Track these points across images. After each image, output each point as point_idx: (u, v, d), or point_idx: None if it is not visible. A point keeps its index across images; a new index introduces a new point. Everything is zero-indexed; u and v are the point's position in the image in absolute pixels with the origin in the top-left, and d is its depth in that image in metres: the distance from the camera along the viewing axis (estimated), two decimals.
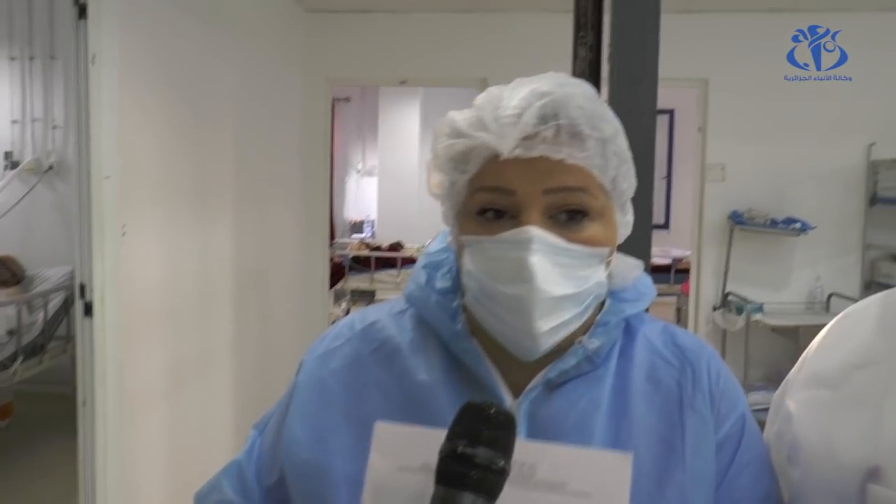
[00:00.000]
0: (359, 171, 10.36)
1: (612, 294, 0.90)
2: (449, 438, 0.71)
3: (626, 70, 1.46)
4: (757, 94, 5.22)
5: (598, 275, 0.83)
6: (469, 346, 0.88)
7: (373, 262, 7.80)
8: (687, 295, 5.94)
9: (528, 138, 0.80)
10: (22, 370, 4.32)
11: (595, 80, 1.59)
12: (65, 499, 3.52)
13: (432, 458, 0.71)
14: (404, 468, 0.77)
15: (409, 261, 7.64)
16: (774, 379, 5.06)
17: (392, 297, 1.03)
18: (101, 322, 2.73)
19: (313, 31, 5.34)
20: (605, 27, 1.57)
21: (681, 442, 0.85)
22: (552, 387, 0.86)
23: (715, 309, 5.45)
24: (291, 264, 5.14)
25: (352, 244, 8.60)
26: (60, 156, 5.47)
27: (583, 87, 0.85)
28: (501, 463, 0.69)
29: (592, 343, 0.86)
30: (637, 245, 0.95)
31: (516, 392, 0.87)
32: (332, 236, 7.97)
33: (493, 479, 0.69)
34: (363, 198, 10.28)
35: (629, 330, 0.92)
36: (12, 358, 4.27)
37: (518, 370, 0.86)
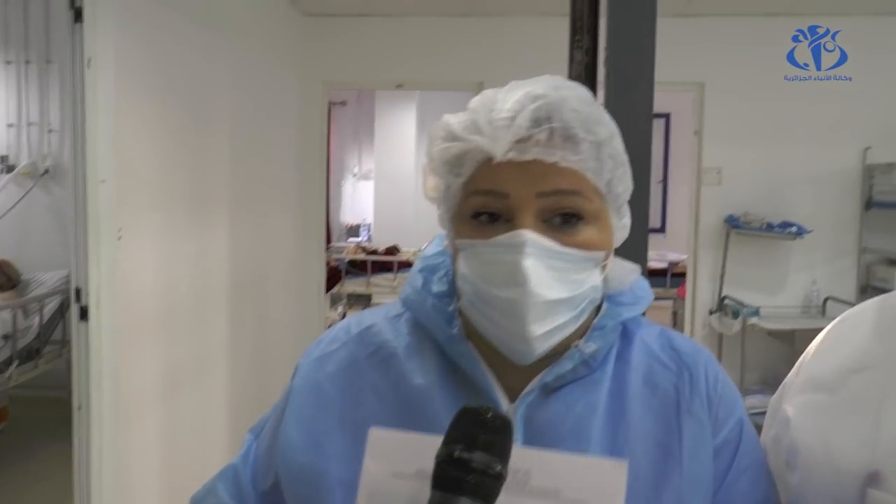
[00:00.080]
0: (355, 175, 10.37)
1: (609, 298, 0.90)
2: (445, 443, 0.71)
3: (622, 73, 1.46)
4: (753, 98, 5.23)
5: (593, 279, 0.83)
6: (465, 349, 0.88)
7: (369, 266, 7.80)
8: (683, 299, 5.95)
9: (521, 141, 0.79)
10: (17, 374, 4.31)
11: (591, 83, 1.59)
12: (60, 503, 3.51)
13: (427, 465, 0.71)
14: (398, 474, 0.77)
15: (406, 265, 7.64)
16: (771, 383, 5.07)
17: (388, 300, 1.03)
18: (96, 326, 2.73)
19: (310, 34, 5.35)
20: (601, 31, 1.57)
21: (678, 446, 0.85)
22: (549, 391, 0.86)
23: (711, 313, 5.46)
24: (288, 268, 5.13)
25: (348, 248, 8.59)
26: (56, 160, 5.46)
27: (578, 91, 0.85)
28: (498, 467, 0.69)
29: (589, 347, 0.86)
30: (633, 249, 0.95)
31: (513, 396, 0.86)
32: (329, 240, 7.97)
33: (489, 484, 0.69)
34: (359, 201, 10.28)
35: (626, 334, 0.92)
36: (7, 362, 4.26)
37: (514, 374, 0.86)
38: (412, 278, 0.95)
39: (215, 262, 3.79)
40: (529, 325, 0.79)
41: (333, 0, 5.09)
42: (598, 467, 0.77)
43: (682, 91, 5.47)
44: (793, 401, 0.93)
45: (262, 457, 0.97)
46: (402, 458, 0.77)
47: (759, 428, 0.95)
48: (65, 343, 4.63)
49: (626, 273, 0.90)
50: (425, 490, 0.70)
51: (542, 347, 0.81)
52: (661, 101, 1.65)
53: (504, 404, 0.86)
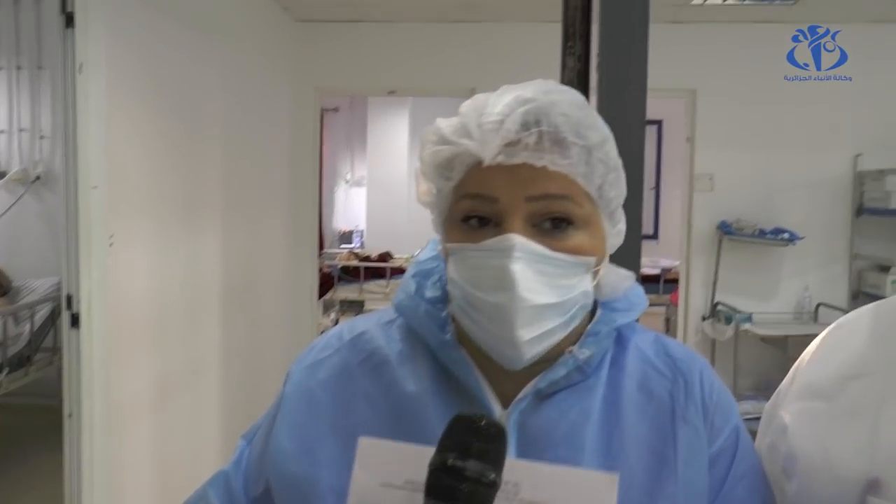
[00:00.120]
0: (348, 182, 10.36)
1: (604, 304, 0.90)
2: (439, 451, 0.70)
3: (614, 80, 1.47)
4: (745, 104, 5.26)
5: (583, 284, 0.82)
6: (458, 356, 0.87)
7: (362, 273, 7.78)
8: (676, 305, 5.95)
9: (510, 145, 0.79)
10: (7, 382, 4.28)
11: (584, 89, 1.59)
12: None
13: (416, 475, 0.70)
14: (388, 484, 0.76)
15: (398, 271, 7.62)
16: (763, 388, 5.08)
17: (381, 307, 1.02)
18: (87, 333, 2.71)
19: (302, 40, 5.35)
20: (593, 37, 1.57)
21: (673, 453, 0.85)
22: (542, 397, 0.85)
23: (704, 319, 5.47)
24: (280, 275, 5.12)
25: (341, 254, 8.58)
26: (48, 166, 5.44)
27: (569, 95, 0.84)
28: (492, 476, 0.69)
29: (583, 353, 0.86)
30: (626, 255, 0.95)
31: (506, 402, 0.86)
32: (321, 246, 7.95)
33: (483, 493, 0.68)
34: (352, 208, 10.27)
35: (621, 340, 0.91)
36: None
37: (507, 380, 0.85)
38: (405, 283, 0.94)
39: (207, 268, 3.77)
40: (517, 330, 0.78)
41: (326, 6, 5.09)
42: (588, 480, 0.77)
43: (675, 98, 5.49)
44: (789, 408, 0.92)
45: (254, 463, 0.96)
46: (391, 468, 0.77)
47: (752, 434, 0.95)
48: (56, 350, 4.60)
49: (621, 280, 0.89)
50: (414, 500, 0.70)
51: (531, 352, 0.80)
52: (654, 108, 1.65)
53: (497, 410, 0.85)
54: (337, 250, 9.10)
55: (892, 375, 0.83)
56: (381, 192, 9.52)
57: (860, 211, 5.28)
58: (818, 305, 5.29)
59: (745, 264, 5.36)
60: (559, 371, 0.85)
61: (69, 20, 2.62)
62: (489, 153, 0.79)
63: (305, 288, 5.58)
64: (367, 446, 0.79)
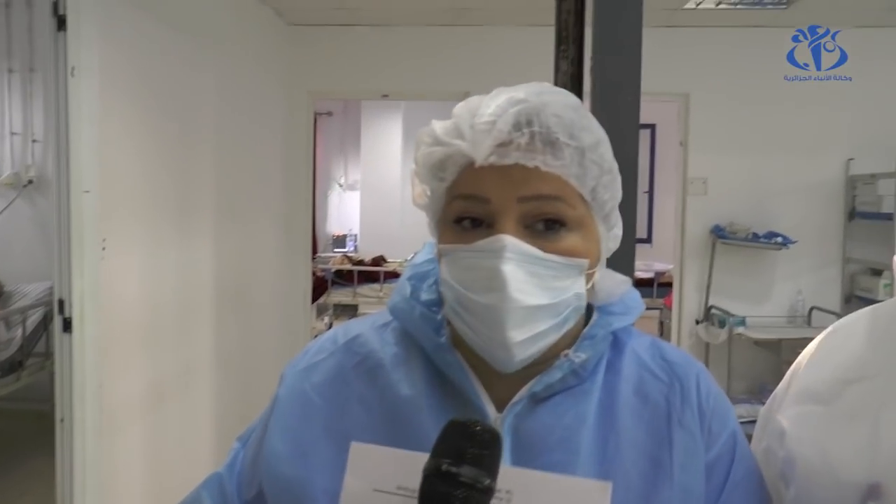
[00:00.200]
0: (341, 186, 10.35)
1: (600, 308, 0.89)
2: (433, 456, 0.69)
3: (608, 83, 1.47)
4: (738, 108, 5.27)
5: (576, 286, 0.82)
6: (452, 359, 0.87)
7: (355, 277, 7.78)
8: (670, 308, 5.97)
9: (502, 145, 0.79)
10: None
11: (577, 93, 1.59)
12: None
13: (408, 480, 0.70)
14: (379, 490, 0.76)
15: (392, 275, 7.63)
16: (757, 392, 5.09)
17: (375, 311, 1.01)
18: (80, 338, 2.70)
19: (295, 44, 5.35)
20: (586, 41, 1.57)
21: (668, 458, 0.84)
22: (537, 400, 0.85)
23: (698, 322, 5.47)
24: (273, 279, 5.11)
25: (334, 258, 8.58)
26: (40, 170, 5.41)
27: (563, 97, 0.84)
28: (487, 482, 0.68)
29: (578, 356, 0.85)
30: (621, 259, 0.94)
31: (500, 406, 0.85)
32: (315, 250, 7.95)
33: (478, 499, 0.68)
34: (346, 212, 10.27)
35: (617, 343, 0.91)
36: None
37: (502, 383, 0.85)
38: (400, 286, 0.94)
39: (200, 272, 3.76)
40: (508, 332, 0.78)
41: (319, 10, 5.09)
42: (581, 488, 0.76)
43: (668, 102, 5.50)
44: (786, 412, 0.92)
45: (248, 466, 0.96)
46: (382, 473, 0.76)
47: (748, 437, 0.94)
48: (48, 355, 4.57)
49: (617, 284, 0.89)
50: None
51: (522, 354, 0.80)
52: (647, 112, 1.65)
53: (492, 414, 0.85)
54: (330, 254, 9.10)
55: (891, 378, 0.83)
56: (374, 196, 9.52)
57: (852, 215, 5.30)
58: (811, 309, 5.30)
59: (738, 268, 5.37)
60: (555, 374, 0.84)
61: (61, 23, 2.62)
62: (481, 153, 0.79)
63: (299, 292, 5.57)
64: (359, 451, 0.79)
